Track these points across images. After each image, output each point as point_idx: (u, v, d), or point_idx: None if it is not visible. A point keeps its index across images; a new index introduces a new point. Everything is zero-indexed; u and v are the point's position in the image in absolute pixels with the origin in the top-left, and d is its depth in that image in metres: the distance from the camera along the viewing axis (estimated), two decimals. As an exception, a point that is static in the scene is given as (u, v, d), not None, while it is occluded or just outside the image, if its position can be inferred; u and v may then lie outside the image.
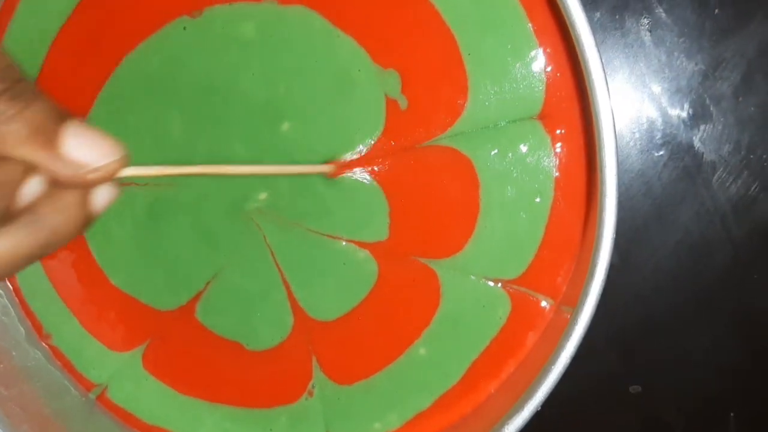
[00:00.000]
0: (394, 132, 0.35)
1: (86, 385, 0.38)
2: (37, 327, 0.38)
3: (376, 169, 0.35)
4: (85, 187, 0.23)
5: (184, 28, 0.35)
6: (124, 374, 0.38)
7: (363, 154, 0.35)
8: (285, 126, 0.36)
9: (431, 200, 0.35)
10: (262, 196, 0.36)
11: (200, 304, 0.37)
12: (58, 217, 0.23)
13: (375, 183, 0.35)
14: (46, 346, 0.38)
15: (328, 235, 0.36)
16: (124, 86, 0.36)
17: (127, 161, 0.24)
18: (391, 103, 0.35)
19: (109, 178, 0.23)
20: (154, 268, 0.38)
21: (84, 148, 0.23)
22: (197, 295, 0.37)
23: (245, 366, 0.37)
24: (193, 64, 0.36)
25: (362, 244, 0.36)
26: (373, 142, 0.35)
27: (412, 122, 0.35)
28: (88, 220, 0.24)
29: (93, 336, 0.38)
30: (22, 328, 0.38)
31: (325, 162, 0.35)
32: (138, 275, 0.38)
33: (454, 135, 0.35)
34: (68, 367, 0.38)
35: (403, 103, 0.35)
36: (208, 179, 0.37)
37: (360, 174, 0.35)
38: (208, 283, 0.37)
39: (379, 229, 0.36)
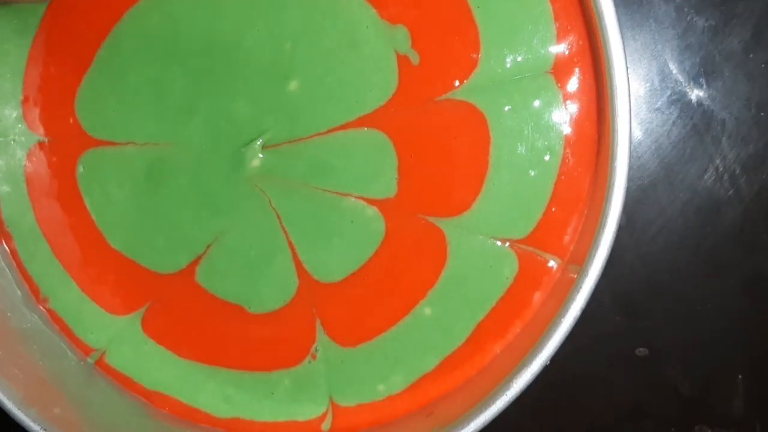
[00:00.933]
0: (408, 87, 0.34)
1: (84, 350, 0.38)
2: (35, 290, 0.38)
3: (388, 123, 0.35)
4: None
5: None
6: (123, 338, 0.38)
7: (377, 109, 0.35)
8: (292, 85, 0.35)
9: (441, 156, 0.35)
10: (255, 163, 0.36)
11: (200, 268, 0.37)
12: None
13: (386, 137, 0.35)
14: (44, 310, 0.38)
15: (336, 192, 0.35)
16: (124, 43, 0.36)
17: None
18: (402, 59, 0.34)
19: None
20: (153, 231, 0.37)
21: None
22: (197, 258, 0.37)
23: (247, 329, 0.37)
24: (195, 20, 0.35)
25: (371, 201, 0.35)
26: (387, 99, 0.34)
27: (426, 76, 0.34)
28: None
29: (91, 299, 0.38)
30: (18, 291, 0.38)
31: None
32: (137, 238, 0.37)
33: (470, 89, 0.34)
34: (66, 331, 0.38)
35: (414, 59, 0.34)
36: (206, 140, 0.36)
37: (370, 129, 0.35)
38: (208, 246, 0.37)
39: (388, 185, 0.35)
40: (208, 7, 0.35)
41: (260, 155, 0.36)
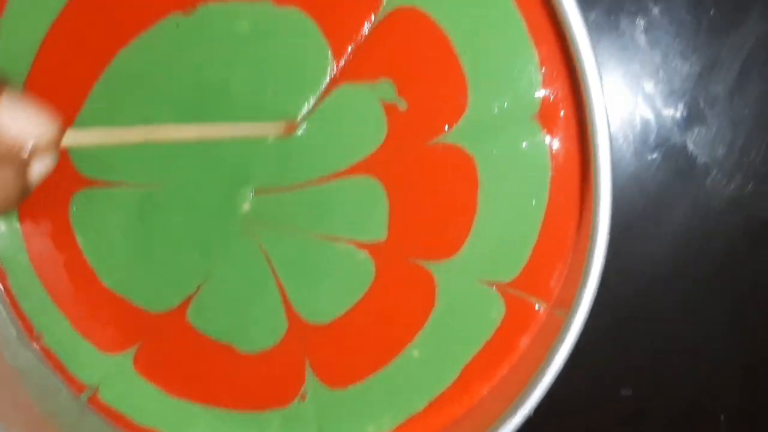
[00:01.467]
0: (397, 133, 0.35)
1: (77, 387, 0.38)
2: (28, 328, 0.38)
3: (379, 169, 0.35)
4: (22, 162, 0.22)
5: (177, 26, 0.35)
6: (116, 376, 0.38)
7: (368, 157, 0.35)
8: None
9: (431, 200, 0.35)
10: (246, 206, 0.36)
11: (191, 307, 0.37)
12: None
13: (378, 182, 0.35)
14: (38, 347, 0.38)
15: (328, 237, 0.36)
16: (116, 84, 0.36)
17: (62, 131, 0.23)
18: (389, 107, 0.34)
19: (47, 149, 0.22)
20: (145, 270, 0.37)
21: (19, 121, 0.22)
22: (188, 298, 0.37)
23: (237, 368, 0.37)
24: (185, 63, 0.36)
25: (361, 245, 0.36)
26: (378, 145, 0.35)
27: (415, 122, 0.34)
28: (25, 192, 0.23)
29: (84, 337, 0.38)
30: (13, 329, 0.38)
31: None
32: (129, 276, 0.38)
33: (459, 133, 0.34)
34: (59, 368, 0.38)
35: (402, 105, 0.34)
36: (196, 181, 0.36)
37: (362, 176, 0.35)
38: (199, 287, 0.37)
39: (379, 229, 0.35)
40: (198, 50, 0.35)
41: (250, 199, 0.36)
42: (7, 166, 0.22)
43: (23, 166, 0.23)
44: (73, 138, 0.24)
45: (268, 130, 0.35)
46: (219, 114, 0.36)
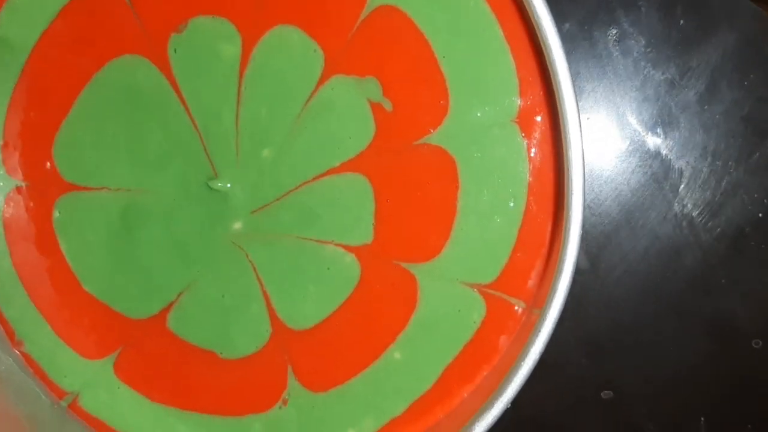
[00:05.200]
0: (385, 132, 0.35)
1: (58, 393, 0.38)
2: (10, 333, 0.38)
3: (369, 167, 0.36)
4: None
5: (175, 51, 0.36)
6: (96, 382, 0.38)
7: (358, 154, 0.35)
8: (265, 152, 0.36)
9: (414, 202, 0.36)
10: (237, 225, 0.36)
11: (172, 314, 0.37)
12: None
13: (367, 181, 0.36)
14: (18, 353, 0.38)
15: (318, 240, 0.36)
16: (104, 92, 0.37)
17: None
18: (376, 106, 0.35)
19: None
20: (125, 276, 0.37)
21: None
22: (169, 305, 0.37)
23: (218, 374, 0.37)
24: (177, 75, 0.36)
25: (349, 248, 0.36)
26: (368, 143, 0.35)
27: (401, 122, 0.35)
28: None
29: (65, 343, 0.38)
30: (-7, 335, 0.38)
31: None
32: (110, 282, 0.38)
33: (443, 135, 0.35)
34: (40, 374, 0.38)
35: (388, 106, 0.35)
36: (180, 190, 0.37)
37: (353, 174, 0.36)
38: (180, 294, 0.37)
39: (366, 231, 0.36)
40: (190, 71, 0.36)
41: (242, 220, 0.36)
42: None
43: None
44: None
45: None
46: (207, 136, 0.36)
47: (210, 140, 0.36)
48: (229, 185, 0.36)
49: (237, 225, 0.37)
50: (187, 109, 0.36)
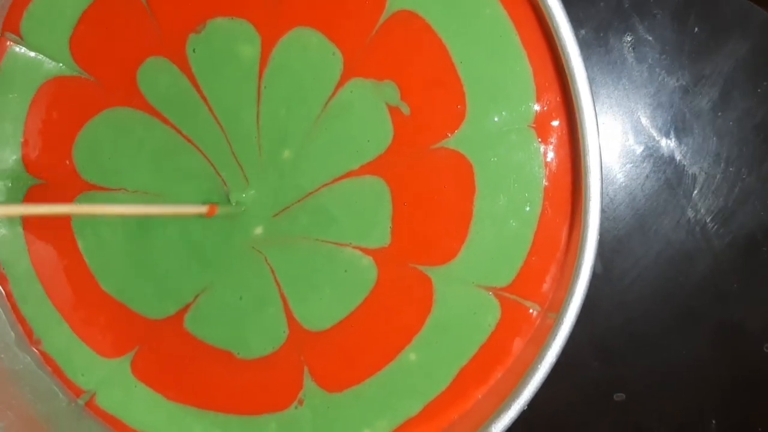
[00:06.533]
0: (403, 135, 0.36)
1: (75, 391, 0.38)
2: (28, 332, 0.38)
3: (387, 170, 0.36)
4: None
5: (194, 51, 0.36)
6: (113, 381, 0.38)
7: (377, 157, 0.36)
8: (286, 153, 0.36)
9: (431, 205, 0.36)
10: (258, 230, 0.37)
11: (189, 315, 0.38)
12: None
13: (384, 184, 0.36)
14: (36, 351, 0.38)
15: (336, 243, 0.36)
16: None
17: None
18: (393, 110, 0.36)
19: None
20: (142, 277, 0.38)
21: None
22: (185, 306, 0.37)
23: (235, 374, 0.37)
24: (204, 87, 0.37)
25: (366, 251, 0.36)
26: (386, 147, 0.36)
27: (419, 126, 0.35)
28: None
29: (83, 341, 0.38)
30: (12, 332, 0.38)
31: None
32: (128, 282, 0.38)
33: (461, 139, 0.35)
34: (57, 373, 0.38)
35: (405, 110, 0.36)
36: (198, 199, 0.37)
37: (371, 176, 0.36)
38: (197, 296, 0.37)
39: (383, 234, 0.36)
40: (210, 73, 0.37)
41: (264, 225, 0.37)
42: None
43: None
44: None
45: (191, 210, 0.35)
46: (237, 147, 0.37)
47: (234, 140, 0.37)
48: (244, 203, 0.37)
49: (258, 230, 0.37)
50: (210, 108, 0.37)
